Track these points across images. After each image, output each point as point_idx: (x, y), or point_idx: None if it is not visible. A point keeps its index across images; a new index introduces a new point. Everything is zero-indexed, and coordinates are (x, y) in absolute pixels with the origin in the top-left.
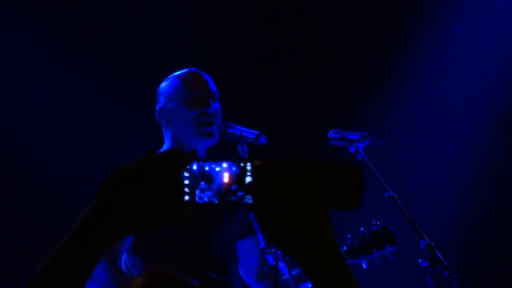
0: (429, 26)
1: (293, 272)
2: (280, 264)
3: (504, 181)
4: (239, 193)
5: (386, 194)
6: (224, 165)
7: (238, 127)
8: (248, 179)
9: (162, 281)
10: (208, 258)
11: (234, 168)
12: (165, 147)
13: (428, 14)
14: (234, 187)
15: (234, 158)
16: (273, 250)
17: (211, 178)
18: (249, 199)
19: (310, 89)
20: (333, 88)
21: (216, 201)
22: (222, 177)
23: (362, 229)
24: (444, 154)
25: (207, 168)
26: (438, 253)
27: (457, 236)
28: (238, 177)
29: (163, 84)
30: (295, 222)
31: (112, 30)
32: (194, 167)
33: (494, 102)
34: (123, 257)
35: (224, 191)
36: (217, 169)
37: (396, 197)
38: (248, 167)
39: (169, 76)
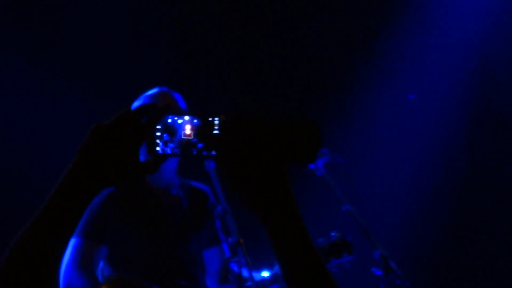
0: (391, 34)
1: (256, 279)
2: (243, 270)
3: (453, 194)
4: (199, 145)
5: (343, 207)
6: (186, 117)
7: None
8: (216, 131)
9: (126, 286)
10: (177, 266)
11: (195, 121)
12: None
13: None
14: (194, 140)
15: (201, 113)
16: (236, 259)
17: (178, 129)
18: (212, 152)
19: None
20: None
21: (185, 152)
22: (190, 127)
23: (321, 240)
24: (397, 169)
25: (176, 119)
26: (391, 262)
27: (410, 246)
28: (200, 130)
29: (135, 104)
30: (253, 174)
31: (86, 49)
32: (165, 119)
33: (446, 118)
34: (100, 267)
35: (191, 142)
36: (180, 121)
37: (353, 210)
38: (216, 122)
39: (141, 96)
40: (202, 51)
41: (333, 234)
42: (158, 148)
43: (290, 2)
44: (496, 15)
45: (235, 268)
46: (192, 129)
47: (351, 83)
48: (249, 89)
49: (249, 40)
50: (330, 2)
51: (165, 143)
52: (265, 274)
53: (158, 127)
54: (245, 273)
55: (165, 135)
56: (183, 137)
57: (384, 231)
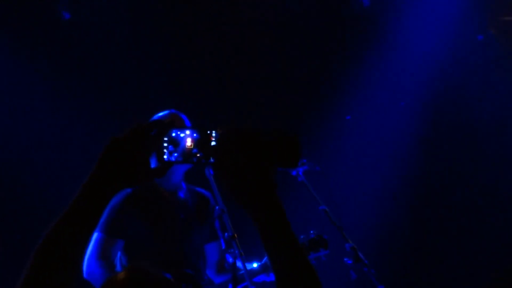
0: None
1: (248, 268)
2: (238, 261)
3: (413, 195)
4: (198, 154)
5: (320, 207)
6: (187, 132)
7: None
8: (214, 143)
9: (138, 275)
10: (183, 257)
11: (195, 135)
12: None
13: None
14: (194, 150)
15: (202, 127)
16: (231, 250)
17: (183, 141)
18: (212, 160)
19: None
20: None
21: (189, 159)
22: (192, 139)
23: (302, 236)
24: (366, 174)
25: (180, 133)
26: (360, 253)
27: (376, 239)
28: (198, 142)
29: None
30: (241, 178)
31: (105, 75)
32: (171, 133)
33: (413, 122)
34: (118, 257)
35: (187, 153)
36: (182, 135)
37: (327, 209)
38: (213, 134)
39: (154, 116)
40: (198, 76)
41: (312, 232)
42: (165, 157)
43: (271, 27)
44: (450, 34)
45: (230, 259)
46: (192, 141)
47: (326, 102)
48: (239, 105)
49: (238, 65)
50: (309, 27)
51: (170, 153)
52: (255, 265)
53: (165, 139)
54: (238, 263)
55: (170, 146)
56: (185, 148)
57: (354, 227)
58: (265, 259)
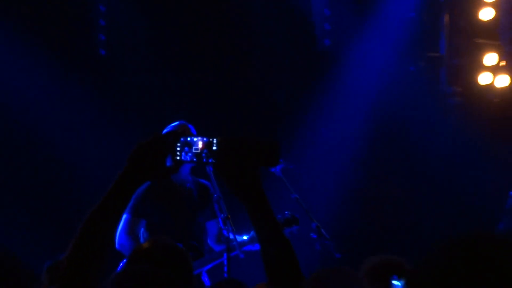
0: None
1: (238, 240)
2: (231, 235)
3: (364, 185)
4: (206, 156)
5: (292, 196)
6: (199, 138)
7: None
8: (214, 148)
9: (158, 245)
10: (190, 232)
11: (205, 139)
12: None
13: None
14: (205, 151)
15: (207, 135)
16: (226, 227)
17: (191, 145)
18: (212, 160)
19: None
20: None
21: (195, 159)
22: (198, 144)
23: (279, 216)
24: (328, 170)
25: (188, 139)
26: (322, 230)
27: (335, 220)
28: (207, 145)
29: (165, 130)
30: (237, 173)
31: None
32: (182, 139)
33: (361, 132)
34: (141, 233)
35: (199, 154)
36: (195, 139)
37: (298, 197)
38: (215, 141)
39: (168, 126)
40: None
41: (286, 212)
42: (177, 158)
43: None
44: (390, 65)
45: (225, 233)
46: (203, 145)
47: (298, 116)
48: (232, 118)
49: (231, 89)
50: (286, 60)
51: (185, 153)
52: (245, 237)
53: (178, 144)
54: (231, 236)
55: (185, 148)
56: (195, 150)
57: (318, 210)
58: (251, 233)
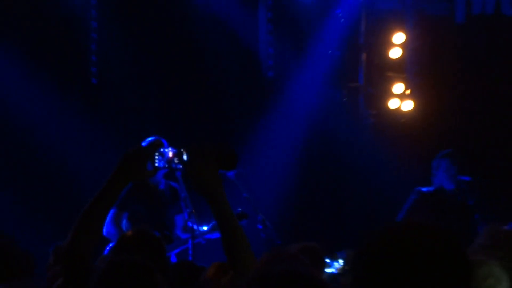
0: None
1: (201, 230)
2: (194, 226)
3: (306, 184)
4: (176, 163)
5: (244, 195)
6: (170, 149)
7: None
8: (185, 157)
9: (140, 232)
10: (163, 223)
11: (174, 150)
12: None
13: None
14: (174, 159)
15: (176, 146)
16: (191, 219)
17: (164, 155)
18: (180, 166)
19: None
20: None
21: (167, 166)
22: (169, 154)
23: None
24: (275, 173)
25: (162, 150)
26: (267, 222)
27: (277, 213)
28: (176, 154)
29: (144, 143)
30: (202, 177)
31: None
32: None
33: (299, 146)
34: (123, 224)
35: (169, 161)
36: (167, 150)
37: (248, 196)
38: (184, 151)
39: (146, 139)
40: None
41: (238, 209)
42: (156, 164)
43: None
44: (320, 94)
45: (190, 224)
46: (173, 155)
47: (247, 130)
48: (194, 132)
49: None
50: (238, 87)
51: (160, 161)
52: (205, 228)
53: (156, 153)
54: (195, 227)
55: (159, 157)
56: (167, 158)
57: (264, 206)
58: (211, 224)
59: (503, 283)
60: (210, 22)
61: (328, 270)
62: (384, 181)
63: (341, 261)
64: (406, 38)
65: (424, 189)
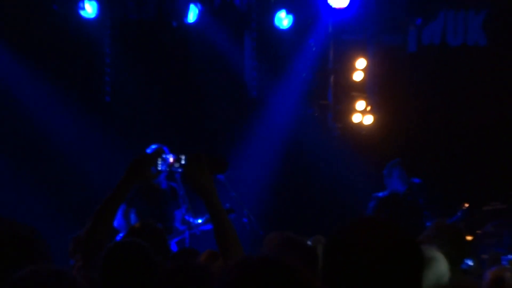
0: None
1: (196, 222)
2: (190, 219)
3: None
4: (176, 167)
5: (231, 193)
6: (170, 155)
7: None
8: (183, 162)
9: (146, 225)
10: (165, 217)
11: (174, 156)
12: None
13: None
14: (176, 164)
15: (177, 153)
16: (188, 214)
17: (165, 160)
18: (179, 170)
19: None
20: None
21: (168, 169)
22: (169, 159)
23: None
24: (256, 175)
25: (164, 156)
26: (251, 216)
27: (260, 207)
28: (176, 159)
29: (148, 150)
30: (200, 180)
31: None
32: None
33: (278, 154)
34: (131, 217)
35: (170, 165)
36: (168, 156)
37: (235, 195)
38: (183, 157)
39: (150, 147)
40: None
41: (227, 205)
42: (159, 168)
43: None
44: (297, 109)
45: (186, 218)
46: (173, 160)
47: (233, 140)
48: (190, 140)
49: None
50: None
51: (162, 165)
52: (199, 221)
53: (159, 159)
54: (191, 220)
55: (162, 162)
56: (169, 163)
57: (249, 202)
58: (205, 217)
59: (442, 264)
60: (204, 50)
61: None
62: (349, 182)
63: (309, 243)
64: (367, 64)
65: (380, 194)
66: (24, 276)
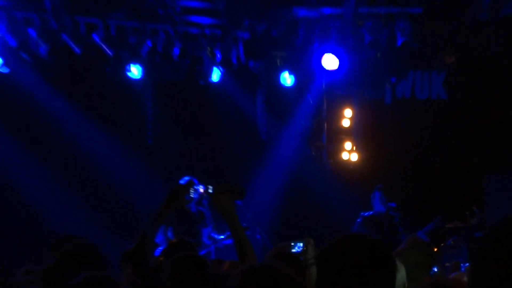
0: None
1: (219, 238)
2: (215, 235)
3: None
4: (206, 198)
5: (248, 215)
6: (200, 185)
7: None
8: (210, 190)
9: (181, 240)
10: (195, 234)
11: (203, 186)
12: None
13: None
14: (205, 195)
15: (206, 184)
16: (214, 231)
17: (196, 190)
18: (207, 197)
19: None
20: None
21: (198, 196)
22: (199, 190)
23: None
24: (266, 199)
25: (195, 186)
26: (263, 233)
27: (270, 228)
28: (205, 190)
29: (181, 181)
30: (224, 205)
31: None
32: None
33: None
34: (169, 234)
35: (200, 195)
36: (198, 187)
37: (251, 216)
38: (210, 187)
39: (183, 178)
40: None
41: (244, 224)
42: (191, 195)
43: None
44: (298, 149)
45: (212, 234)
46: (203, 189)
47: (249, 172)
48: (214, 174)
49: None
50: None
51: (193, 193)
52: (222, 236)
53: (191, 189)
54: (215, 236)
55: (193, 191)
56: (198, 191)
57: (261, 223)
58: (226, 234)
59: (400, 271)
60: (225, 103)
61: (293, 250)
62: (339, 204)
63: (301, 244)
64: (353, 113)
65: (365, 213)
66: (81, 280)
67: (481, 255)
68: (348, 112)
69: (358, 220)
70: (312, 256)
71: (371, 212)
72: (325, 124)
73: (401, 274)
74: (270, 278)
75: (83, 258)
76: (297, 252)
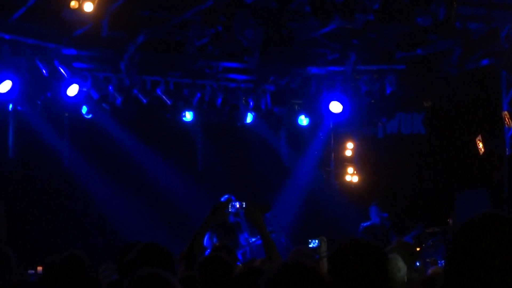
0: None
1: (253, 240)
2: (249, 239)
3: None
4: (240, 209)
5: (273, 223)
6: (237, 202)
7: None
8: (244, 205)
9: (223, 244)
10: (234, 239)
11: (239, 202)
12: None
13: None
14: (240, 209)
15: (241, 200)
16: (248, 236)
17: (233, 205)
18: (242, 211)
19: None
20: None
21: (234, 211)
22: (236, 205)
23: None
24: (287, 211)
25: (232, 202)
26: (286, 237)
27: (291, 234)
28: (240, 206)
29: (222, 199)
30: (255, 216)
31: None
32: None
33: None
34: (214, 240)
35: (237, 209)
36: (235, 203)
37: (276, 224)
38: (244, 203)
39: (224, 196)
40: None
41: (270, 228)
42: (230, 210)
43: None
44: (310, 170)
45: (247, 238)
46: (239, 205)
47: (273, 191)
48: (246, 193)
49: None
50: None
51: (231, 207)
52: (253, 239)
53: (229, 204)
54: (249, 239)
55: (231, 206)
56: (235, 206)
57: (284, 229)
58: (257, 237)
59: (402, 269)
60: (256, 139)
61: (310, 245)
62: (344, 217)
63: (316, 240)
64: (354, 145)
65: (365, 224)
66: (143, 275)
67: (452, 251)
68: (350, 145)
69: (360, 229)
70: (325, 250)
71: (368, 223)
72: (333, 154)
73: (402, 273)
74: (300, 271)
75: (155, 256)
76: (313, 247)
